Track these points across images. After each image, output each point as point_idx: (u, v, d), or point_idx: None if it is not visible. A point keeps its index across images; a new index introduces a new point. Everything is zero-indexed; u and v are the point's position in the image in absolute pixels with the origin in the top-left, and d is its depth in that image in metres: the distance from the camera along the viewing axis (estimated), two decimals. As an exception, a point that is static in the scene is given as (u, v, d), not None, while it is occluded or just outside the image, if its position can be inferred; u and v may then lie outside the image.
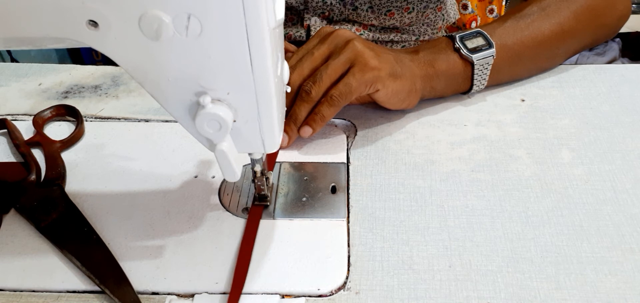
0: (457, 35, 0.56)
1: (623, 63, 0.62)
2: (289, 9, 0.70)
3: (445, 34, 0.79)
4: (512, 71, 0.60)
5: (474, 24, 0.84)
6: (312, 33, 0.71)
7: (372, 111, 0.58)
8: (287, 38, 0.72)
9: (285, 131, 0.51)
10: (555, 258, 0.43)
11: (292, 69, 0.51)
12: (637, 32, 1.47)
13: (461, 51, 0.55)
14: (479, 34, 0.57)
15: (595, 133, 0.54)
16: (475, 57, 0.55)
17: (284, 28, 0.72)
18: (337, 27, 0.64)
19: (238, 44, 0.32)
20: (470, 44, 0.56)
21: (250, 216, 0.46)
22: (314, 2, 0.69)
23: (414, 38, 0.74)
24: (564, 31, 0.60)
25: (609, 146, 0.53)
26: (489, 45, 0.56)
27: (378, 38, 0.72)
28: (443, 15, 0.74)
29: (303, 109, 0.51)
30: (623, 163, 0.51)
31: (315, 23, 0.71)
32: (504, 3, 0.86)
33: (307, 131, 0.51)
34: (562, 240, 0.44)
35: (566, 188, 0.49)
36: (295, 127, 0.52)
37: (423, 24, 0.73)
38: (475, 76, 0.56)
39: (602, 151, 0.52)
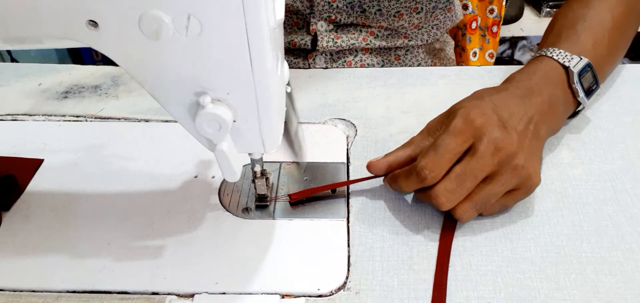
0: (574, 71, 0.50)
1: (623, 63, 0.62)
2: (294, 13, 0.68)
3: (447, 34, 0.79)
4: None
5: (474, 24, 0.84)
6: (319, 40, 0.68)
7: (372, 111, 0.58)
8: (292, 46, 0.70)
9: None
10: (555, 258, 0.43)
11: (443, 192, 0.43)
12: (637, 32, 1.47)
13: (578, 95, 0.51)
14: (588, 68, 0.51)
15: (595, 133, 0.54)
16: (589, 101, 0.52)
17: (289, 34, 0.70)
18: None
19: (238, 44, 0.32)
20: (585, 82, 0.51)
21: (441, 239, 0.44)
22: (320, 5, 0.66)
23: (421, 44, 0.72)
24: (630, 13, 0.57)
25: (609, 146, 0.53)
26: (596, 84, 0.52)
27: (384, 46, 0.70)
28: (451, 16, 0.73)
29: (410, 185, 0.45)
30: (623, 163, 0.51)
31: (322, 28, 0.68)
32: (504, 3, 0.86)
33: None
34: (562, 240, 0.44)
35: (566, 188, 0.49)
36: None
37: (432, 27, 0.71)
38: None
39: (602, 151, 0.52)
